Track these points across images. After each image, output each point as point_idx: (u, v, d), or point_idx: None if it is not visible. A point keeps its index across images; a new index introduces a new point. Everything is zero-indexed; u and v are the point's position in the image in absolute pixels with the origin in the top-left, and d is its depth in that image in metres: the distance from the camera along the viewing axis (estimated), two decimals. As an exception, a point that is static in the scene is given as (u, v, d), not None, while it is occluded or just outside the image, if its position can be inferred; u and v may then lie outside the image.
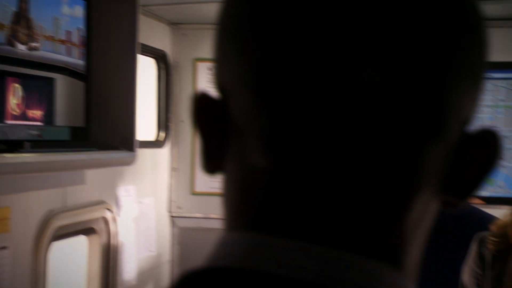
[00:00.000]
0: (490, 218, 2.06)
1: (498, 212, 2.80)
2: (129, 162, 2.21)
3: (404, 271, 0.41)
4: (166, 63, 2.99)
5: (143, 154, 2.61)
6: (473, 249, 1.84)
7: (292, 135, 0.38)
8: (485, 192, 2.99)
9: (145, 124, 2.79)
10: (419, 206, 0.40)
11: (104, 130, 2.13)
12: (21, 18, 1.73)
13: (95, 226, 2.32)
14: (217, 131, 0.42)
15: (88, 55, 2.01)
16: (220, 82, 0.43)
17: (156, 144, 2.97)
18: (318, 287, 0.37)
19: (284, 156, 0.38)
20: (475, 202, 2.87)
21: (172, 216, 3.12)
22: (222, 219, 0.43)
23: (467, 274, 1.85)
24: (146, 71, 2.82)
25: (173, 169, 3.11)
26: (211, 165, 0.43)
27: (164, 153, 3.02)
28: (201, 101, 0.43)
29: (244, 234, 0.40)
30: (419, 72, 0.38)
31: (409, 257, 0.41)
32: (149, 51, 2.79)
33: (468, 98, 0.42)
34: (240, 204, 0.42)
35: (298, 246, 0.38)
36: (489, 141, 0.42)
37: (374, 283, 0.38)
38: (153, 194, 2.93)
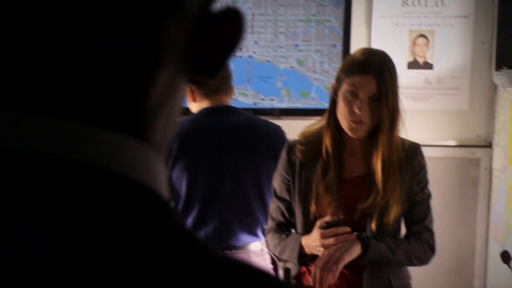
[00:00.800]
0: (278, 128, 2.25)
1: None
2: None
3: (151, 144, 0.41)
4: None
5: None
6: (283, 156, 1.94)
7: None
8: (299, 104, 3.15)
9: None
10: (162, 81, 0.41)
11: None
12: None
13: None
14: None
15: None
16: None
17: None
18: (58, 159, 0.36)
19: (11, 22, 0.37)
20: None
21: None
22: None
23: (277, 180, 1.96)
24: None
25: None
26: None
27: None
28: None
29: None
30: None
31: (156, 131, 0.42)
32: None
33: None
34: None
35: (37, 119, 0.37)
36: (232, 19, 0.43)
37: (118, 154, 0.38)
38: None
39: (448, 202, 3.19)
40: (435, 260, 3.23)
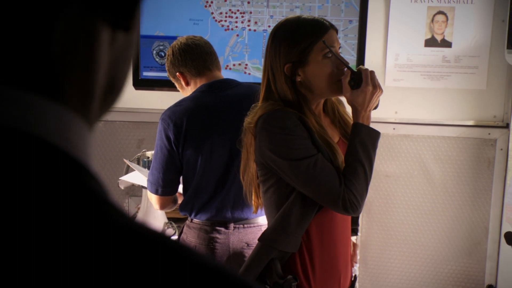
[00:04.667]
0: None
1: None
2: None
3: (65, 100, 0.39)
4: None
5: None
6: (300, 123, 1.76)
7: None
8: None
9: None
10: (67, 27, 0.38)
11: None
12: None
13: None
14: None
15: None
16: None
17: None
18: None
19: None
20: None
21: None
22: None
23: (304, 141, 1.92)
24: None
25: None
26: None
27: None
28: None
29: None
30: None
31: (71, 85, 0.39)
32: None
33: None
34: None
35: None
36: None
37: (22, 112, 0.36)
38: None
39: (463, 182, 3.16)
40: (448, 241, 3.21)
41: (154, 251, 0.36)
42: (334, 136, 1.84)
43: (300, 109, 1.72)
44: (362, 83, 1.71)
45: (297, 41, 1.70)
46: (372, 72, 1.73)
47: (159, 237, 0.37)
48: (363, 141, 1.70)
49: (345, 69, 1.73)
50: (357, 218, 1.95)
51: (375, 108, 1.77)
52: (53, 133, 0.37)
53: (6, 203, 0.34)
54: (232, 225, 2.23)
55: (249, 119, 1.76)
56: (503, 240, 3.09)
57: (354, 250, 2.02)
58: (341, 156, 1.72)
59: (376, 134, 1.74)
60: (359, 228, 2.00)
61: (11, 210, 0.33)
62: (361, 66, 1.77)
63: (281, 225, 1.73)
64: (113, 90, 0.45)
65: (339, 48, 1.76)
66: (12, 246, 0.33)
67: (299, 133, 1.67)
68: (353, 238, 1.98)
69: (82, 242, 0.34)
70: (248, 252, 2.16)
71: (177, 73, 2.30)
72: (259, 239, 1.78)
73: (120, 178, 2.66)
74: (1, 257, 0.32)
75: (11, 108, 0.36)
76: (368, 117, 1.74)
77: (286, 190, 1.73)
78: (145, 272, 0.34)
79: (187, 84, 2.31)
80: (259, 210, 1.95)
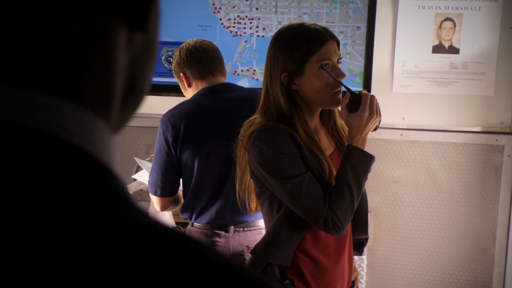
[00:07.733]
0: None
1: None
2: None
3: (84, 102, 0.39)
4: None
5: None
6: (289, 140, 1.74)
7: None
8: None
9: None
10: (76, 28, 0.38)
11: None
12: None
13: None
14: None
15: None
16: None
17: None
18: None
19: None
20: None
21: None
22: None
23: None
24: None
25: None
26: None
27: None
28: None
29: None
30: None
31: (89, 87, 0.39)
32: None
33: None
34: None
35: None
36: None
37: (43, 114, 0.36)
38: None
39: (470, 188, 3.16)
40: (455, 247, 3.21)
41: (177, 251, 0.36)
42: (329, 147, 1.83)
43: (291, 119, 1.72)
44: (360, 107, 1.69)
45: (295, 49, 1.69)
46: (372, 97, 1.71)
47: (182, 238, 0.37)
48: (354, 164, 1.69)
49: (344, 89, 1.71)
50: (366, 226, 1.94)
51: (374, 130, 1.75)
52: (74, 134, 0.37)
53: (30, 203, 0.34)
54: (232, 228, 2.24)
55: (243, 132, 1.76)
56: (510, 246, 3.08)
57: (356, 277, 2.02)
58: (331, 170, 1.72)
59: (369, 158, 1.72)
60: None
61: (33, 211, 0.34)
62: (362, 90, 1.75)
63: (272, 238, 1.74)
64: (135, 92, 0.44)
65: (340, 59, 1.73)
66: (35, 245, 0.33)
67: (289, 151, 1.66)
68: (356, 258, 1.97)
69: (105, 242, 0.34)
70: (249, 256, 2.19)
71: (181, 74, 2.33)
72: (251, 252, 1.79)
73: (132, 176, 2.69)
74: (25, 255, 0.32)
75: (32, 109, 0.36)
76: (364, 140, 1.72)
77: (281, 204, 1.73)
78: (170, 272, 0.34)
79: (189, 85, 2.33)
80: (259, 213, 1.96)
